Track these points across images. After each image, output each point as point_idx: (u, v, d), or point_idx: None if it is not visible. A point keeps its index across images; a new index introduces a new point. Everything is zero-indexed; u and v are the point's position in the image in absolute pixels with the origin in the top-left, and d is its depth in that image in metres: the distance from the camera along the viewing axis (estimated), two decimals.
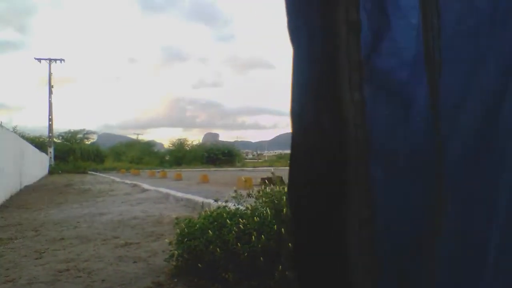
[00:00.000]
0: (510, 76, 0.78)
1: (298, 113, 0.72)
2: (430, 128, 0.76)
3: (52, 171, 36.73)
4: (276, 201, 3.58)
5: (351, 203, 0.66)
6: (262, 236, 3.25)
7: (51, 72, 44.89)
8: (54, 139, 48.24)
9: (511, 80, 0.78)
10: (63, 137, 57.41)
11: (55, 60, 45.43)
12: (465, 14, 0.78)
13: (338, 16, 0.65)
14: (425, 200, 0.77)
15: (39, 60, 45.22)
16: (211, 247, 3.37)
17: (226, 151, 63.39)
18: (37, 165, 26.53)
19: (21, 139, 19.43)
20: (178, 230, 3.96)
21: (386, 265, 0.76)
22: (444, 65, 0.76)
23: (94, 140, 66.35)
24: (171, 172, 32.15)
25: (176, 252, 3.80)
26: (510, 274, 0.82)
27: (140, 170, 38.91)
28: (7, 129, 14.14)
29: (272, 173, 14.50)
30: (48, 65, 44.97)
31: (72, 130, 59.54)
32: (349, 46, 0.66)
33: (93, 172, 38.01)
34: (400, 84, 0.79)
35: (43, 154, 34.59)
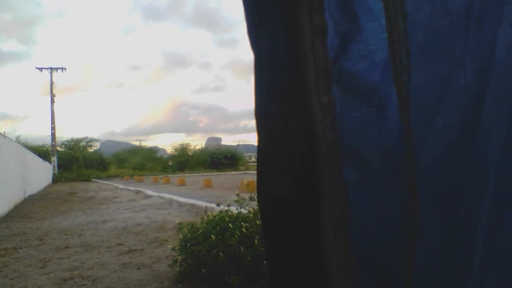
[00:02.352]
0: (487, 76, 0.79)
1: (262, 116, 0.72)
2: (403, 131, 0.76)
3: (55, 179, 36.81)
4: None
5: (325, 205, 0.67)
6: None
7: (53, 81, 45.06)
8: (57, 147, 48.34)
9: (488, 80, 0.79)
10: (66, 146, 57.53)
11: (56, 69, 45.57)
12: (437, 15, 0.78)
13: (302, 20, 0.65)
14: (400, 202, 0.77)
15: (41, 69, 45.38)
16: (214, 251, 3.37)
17: (229, 155, 63.40)
18: (41, 174, 26.61)
19: (25, 149, 19.50)
20: (181, 236, 3.97)
21: (365, 264, 0.76)
22: (415, 68, 0.76)
23: (97, 147, 66.44)
24: (174, 177, 32.18)
25: (179, 257, 3.80)
26: (498, 274, 0.83)
27: (144, 176, 38.95)
28: (10, 139, 14.20)
29: None
30: (49, 74, 45.15)
31: (75, 138, 59.66)
32: (314, 50, 0.66)
33: (96, 180, 38.07)
34: (371, 86, 0.78)
35: (47, 163, 34.68)
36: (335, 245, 0.67)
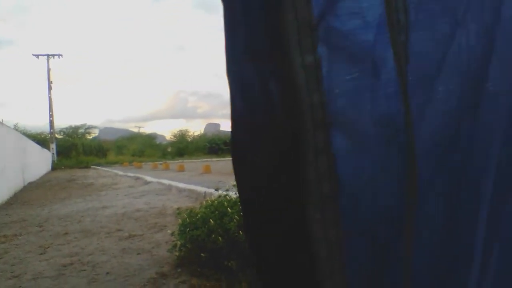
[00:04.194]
0: (492, 38, 0.74)
1: (237, 79, 0.66)
2: (401, 97, 0.71)
3: (55, 167, 36.85)
4: None
5: (310, 178, 0.63)
6: None
7: (50, 67, 44.80)
8: (56, 135, 48.30)
9: (493, 43, 0.74)
10: (64, 133, 57.50)
11: (53, 55, 45.28)
12: None
13: None
14: (397, 172, 0.73)
15: (37, 56, 45.09)
16: (213, 236, 3.38)
17: (228, 141, 63.31)
18: (40, 161, 26.61)
19: (23, 136, 19.45)
20: (180, 221, 3.97)
21: (357, 240, 0.73)
22: (414, 28, 0.71)
23: (96, 134, 66.45)
24: (174, 163, 32.19)
25: (178, 242, 3.81)
26: (504, 246, 0.79)
27: (143, 163, 38.97)
28: (8, 127, 14.15)
29: None
30: (46, 61, 44.85)
31: (73, 126, 59.63)
32: (296, 6, 0.60)
33: (95, 167, 38.08)
34: (364, 47, 0.72)
35: (45, 150, 34.66)
36: (323, 220, 0.64)
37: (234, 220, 3.37)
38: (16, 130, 22.12)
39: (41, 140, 40.76)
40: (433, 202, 0.76)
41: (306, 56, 0.63)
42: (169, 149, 64.43)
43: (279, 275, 0.69)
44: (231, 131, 0.70)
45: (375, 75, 0.72)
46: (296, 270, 0.67)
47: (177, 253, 3.85)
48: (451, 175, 0.76)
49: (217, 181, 10.03)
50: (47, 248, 5.03)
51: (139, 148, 61.72)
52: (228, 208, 3.61)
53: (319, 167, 0.64)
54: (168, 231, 4.92)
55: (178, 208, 4.52)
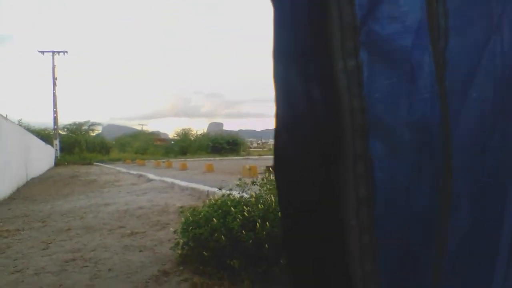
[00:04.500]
0: None
1: (280, 77, 0.67)
2: (438, 101, 0.71)
3: (58, 163, 36.92)
4: None
5: (348, 181, 0.63)
6: (267, 223, 3.24)
7: (55, 64, 44.91)
8: (60, 131, 48.43)
9: None
10: (68, 129, 57.62)
11: (58, 52, 45.38)
12: None
13: None
14: (431, 178, 0.72)
15: (42, 52, 45.19)
16: (216, 235, 3.37)
17: (230, 140, 63.41)
18: (43, 157, 26.66)
19: (27, 132, 19.51)
20: (183, 219, 3.97)
21: (388, 245, 0.72)
22: (452, 34, 0.70)
23: (99, 131, 66.53)
24: (176, 162, 32.22)
25: (181, 240, 3.81)
26: None
27: (146, 161, 39.01)
28: (12, 122, 14.18)
29: None
30: (51, 57, 44.97)
31: (77, 122, 59.74)
32: (341, 8, 0.61)
33: (98, 163, 38.14)
34: (403, 52, 0.72)
35: (49, 146, 34.73)
36: (358, 225, 0.63)
37: (238, 219, 3.36)
38: (20, 125, 22.16)
39: (45, 136, 40.89)
40: (463, 207, 0.75)
41: (348, 60, 0.62)
42: (172, 148, 64.49)
43: (312, 276, 0.69)
44: (275, 135, 0.70)
45: (412, 80, 0.72)
46: (329, 273, 0.66)
47: (179, 251, 3.85)
48: (482, 180, 0.75)
49: (219, 180, 10.03)
50: (49, 243, 5.04)
51: (142, 146, 61.83)
52: (232, 208, 3.60)
53: (357, 171, 0.63)
54: (171, 229, 4.92)
55: (181, 207, 4.53)
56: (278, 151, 0.70)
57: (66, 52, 45.79)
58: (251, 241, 3.17)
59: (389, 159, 0.72)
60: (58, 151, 43.03)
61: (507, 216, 0.76)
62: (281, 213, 0.73)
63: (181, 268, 3.70)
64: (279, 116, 0.69)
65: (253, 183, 4.28)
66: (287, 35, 0.66)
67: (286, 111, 0.68)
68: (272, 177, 4.21)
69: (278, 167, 0.70)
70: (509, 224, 0.76)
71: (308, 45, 0.63)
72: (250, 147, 75.27)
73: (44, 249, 4.76)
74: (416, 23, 0.72)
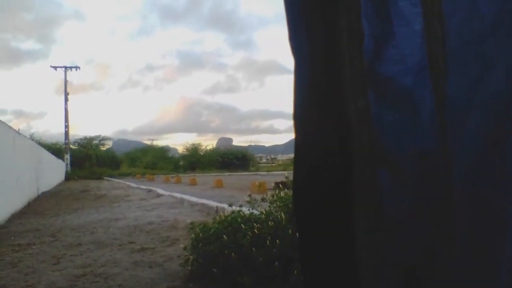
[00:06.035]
0: None
1: (300, 118, 0.73)
2: (438, 133, 0.76)
3: (68, 177, 37.20)
4: (290, 205, 3.57)
5: (357, 208, 0.66)
6: (277, 240, 3.24)
7: (67, 79, 45.61)
8: (70, 145, 48.91)
9: None
10: (79, 144, 58.16)
11: (71, 67, 46.19)
12: (470, 19, 0.77)
13: (340, 25, 0.66)
14: (434, 206, 0.76)
15: (55, 68, 46.01)
16: (226, 251, 3.37)
17: (240, 156, 63.55)
18: (54, 172, 26.90)
19: (38, 146, 19.73)
20: (193, 235, 3.98)
21: (394, 268, 0.75)
22: (450, 72, 0.76)
23: (109, 146, 67.06)
24: (186, 177, 32.29)
25: (191, 256, 3.81)
26: None
27: (155, 175, 39.15)
28: (25, 137, 14.38)
29: (286, 177, 14.42)
30: (64, 73, 45.71)
31: (88, 137, 60.32)
32: (351, 54, 0.67)
33: (108, 178, 38.37)
34: (404, 90, 0.79)
35: (60, 161, 35.07)
36: (367, 249, 0.67)
37: (248, 236, 3.37)
38: (32, 139, 22.46)
39: (56, 150, 41.32)
40: (464, 231, 0.78)
41: (358, 100, 0.68)
42: (181, 163, 64.69)
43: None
44: (294, 166, 0.75)
45: (414, 116, 0.77)
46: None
47: (189, 268, 3.85)
48: (479, 205, 0.79)
49: (229, 196, 10.04)
50: (60, 258, 5.07)
51: (152, 161, 62.12)
52: (242, 224, 3.61)
53: (366, 200, 0.67)
54: (181, 245, 4.93)
55: (191, 223, 4.53)
56: (297, 182, 0.75)
57: (79, 67, 46.56)
58: (261, 258, 3.16)
59: (395, 188, 0.76)
60: (69, 165, 43.39)
61: (509, 242, 0.78)
62: (299, 236, 0.77)
63: (190, 285, 3.70)
64: (296, 149, 0.74)
65: (263, 199, 4.29)
66: (306, 81, 0.71)
67: (302, 145, 0.73)
68: (282, 193, 4.22)
69: (297, 198, 0.75)
70: (509, 257, 0.78)
71: (324, 90, 0.69)
72: (259, 163, 75.25)
73: (55, 264, 4.79)
74: (416, 64, 0.78)
